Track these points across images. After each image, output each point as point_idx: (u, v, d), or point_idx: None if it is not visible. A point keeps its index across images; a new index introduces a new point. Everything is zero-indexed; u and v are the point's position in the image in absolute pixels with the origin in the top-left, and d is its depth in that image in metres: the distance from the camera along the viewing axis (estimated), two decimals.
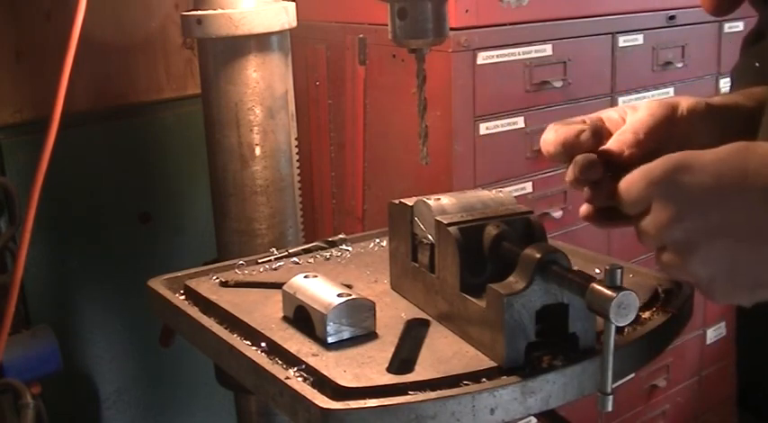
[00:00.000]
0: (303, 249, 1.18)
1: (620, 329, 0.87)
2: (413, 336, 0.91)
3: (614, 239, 2.05)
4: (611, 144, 0.88)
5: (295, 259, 1.16)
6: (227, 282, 1.08)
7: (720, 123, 0.93)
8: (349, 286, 0.98)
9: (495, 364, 0.81)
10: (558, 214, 1.88)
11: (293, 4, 1.46)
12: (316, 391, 0.78)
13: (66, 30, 1.36)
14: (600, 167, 0.83)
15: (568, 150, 0.85)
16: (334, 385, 0.78)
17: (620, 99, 1.94)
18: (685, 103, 0.92)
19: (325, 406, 0.75)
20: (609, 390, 0.74)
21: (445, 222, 0.89)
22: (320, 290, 0.91)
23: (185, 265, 1.12)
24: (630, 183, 0.74)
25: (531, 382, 0.78)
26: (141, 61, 1.89)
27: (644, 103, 0.93)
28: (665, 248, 0.72)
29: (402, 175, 1.76)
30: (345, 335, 0.88)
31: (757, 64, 1.06)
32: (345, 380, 0.79)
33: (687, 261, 0.70)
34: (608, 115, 0.93)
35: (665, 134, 0.90)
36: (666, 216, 0.71)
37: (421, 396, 0.76)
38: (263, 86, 1.43)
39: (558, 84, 1.79)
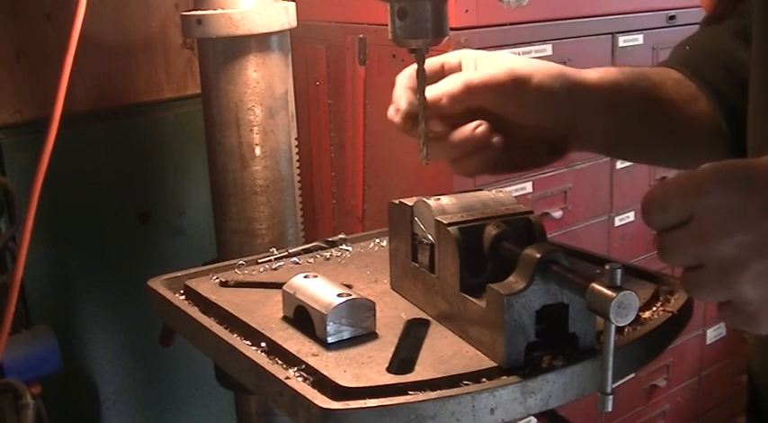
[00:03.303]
0: (303, 249, 1.18)
1: (620, 329, 0.87)
2: (413, 336, 0.91)
3: (614, 239, 2.06)
4: (434, 89, 0.91)
5: (295, 259, 1.15)
6: (227, 282, 1.08)
7: (581, 101, 0.94)
8: (349, 286, 0.98)
9: (495, 364, 0.81)
10: (558, 214, 1.88)
11: (293, 4, 1.46)
12: (316, 391, 0.78)
13: (67, 30, 1.36)
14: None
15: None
16: (334, 385, 0.78)
17: None
18: (540, 75, 0.92)
19: (325, 406, 0.75)
20: (609, 390, 0.74)
21: (445, 222, 0.89)
22: (320, 290, 0.91)
23: (185, 265, 1.12)
24: (667, 191, 0.66)
25: (531, 382, 0.78)
26: (141, 61, 1.89)
27: (498, 60, 0.94)
28: (702, 267, 0.65)
29: (402, 175, 1.76)
30: (345, 335, 0.88)
31: (687, 47, 1.07)
32: (345, 380, 0.79)
33: (735, 281, 0.63)
34: (448, 60, 0.96)
35: (501, 99, 0.91)
36: (713, 230, 0.63)
37: (421, 396, 0.76)
38: (263, 86, 1.43)
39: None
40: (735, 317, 0.66)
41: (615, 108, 0.97)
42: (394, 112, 0.97)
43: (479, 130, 0.91)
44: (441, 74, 0.96)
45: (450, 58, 0.97)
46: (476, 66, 0.95)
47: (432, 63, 0.96)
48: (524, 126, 0.95)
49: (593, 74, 0.98)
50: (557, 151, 0.99)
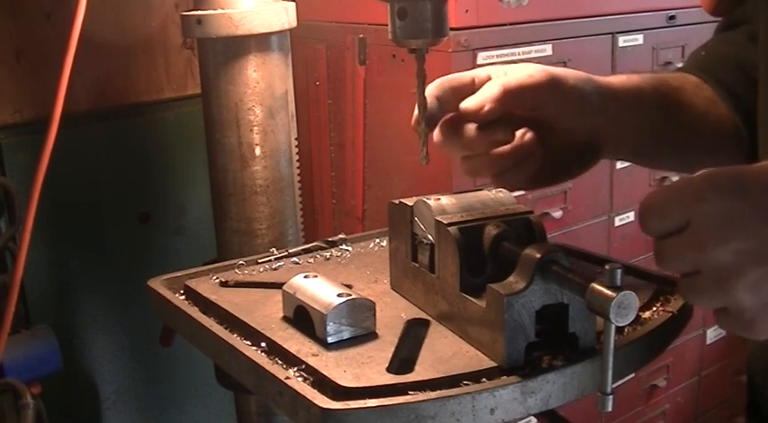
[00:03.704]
0: (303, 249, 1.18)
1: (620, 329, 0.87)
2: (413, 336, 0.91)
3: (614, 239, 2.05)
4: (475, 99, 0.89)
5: (295, 259, 1.15)
6: (227, 282, 1.08)
7: (610, 105, 0.94)
8: (349, 286, 0.98)
9: (495, 364, 0.81)
10: (558, 214, 1.88)
11: (293, 4, 1.46)
12: (316, 391, 0.78)
13: (67, 30, 1.36)
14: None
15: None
16: (334, 385, 0.78)
17: None
18: (573, 78, 0.92)
19: (325, 406, 0.75)
20: (609, 390, 0.74)
21: (445, 222, 0.89)
22: (320, 290, 0.91)
23: (185, 265, 1.12)
24: (665, 197, 0.66)
25: (531, 382, 0.78)
26: (141, 61, 1.89)
27: (527, 66, 0.93)
28: (699, 273, 0.65)
29: (402, 175, 1.76)
30: (345, 335, 0.88)
31: (702, 52, 1.07)
32: (345, 380, 0.79)
33: (731, 287, 0.63)
34: (478, 75, 0.94)
35: (540, 101, 0.90)
36: (710, 236, 0.63)
37: (421, 396, 0.76)
38: (263, 86, 1.43)
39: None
40: (732, 323, 0.66)
41: (640, 112, 0.97)
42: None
43: (527, 137, 0.91)
44: (471, 88, 0.93)
45: (479, 72, 0.95)
46: (506, 74, 0.94)
47: (461, 78, 0.95)
48: (557, 134, 0.94)
49: (616, 79, 0.97)
50: (589, 160, 0.98)
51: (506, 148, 0.91)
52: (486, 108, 0.89)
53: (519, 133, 0.91)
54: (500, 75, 0.93)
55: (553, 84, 0.90)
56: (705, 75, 1.03)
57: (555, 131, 0.94)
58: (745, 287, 0.63)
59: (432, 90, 0.94)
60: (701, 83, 1.03)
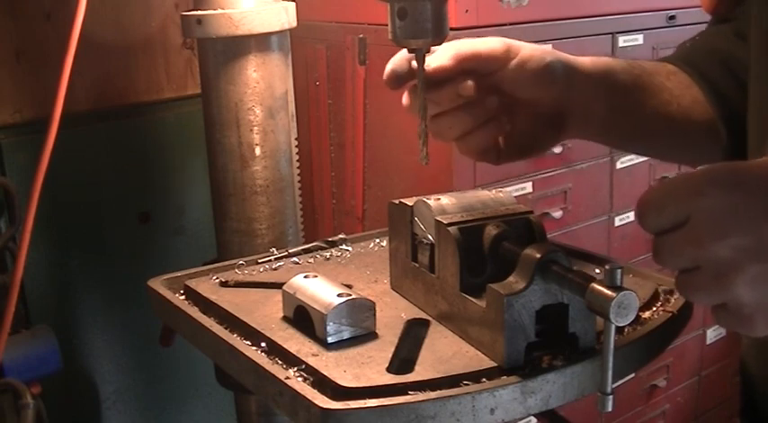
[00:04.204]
0: (303, 249, 1.18)
1: (620, 329, 0.87)
2: (413, 336, 0.91)
3: (614, 239, 2.06)
4: (429, 60, 0.93)
5: (295, 259, 1.15)
6: (227, 282, 1.08)
7: (577, 80, 0.96)
8: (349, 286, 0.98)
9: (495, 364, 0.81)
10: (558, 214, 1.88)
11: (293, 4, 1.46)
12: (316, 391, 0.78)
13: (67, 30, 1.36)
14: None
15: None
16: (334, 385, 0.78)
17: None
18: (531, 48, 0.95)
19: (325, 406, 0.75)
20: (609, 390, 0.74)
21: (445, 222, 0.89)
22: (320, 290, 0.91)
23: (185, 265, 1.12)
24: (663, 193, 0.66)
25: (531, 382, 0.78)
26: (141, 61, 1.89)
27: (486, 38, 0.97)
28: (697, 269, 0.64)
29: (402, 175, 1.76)
30: (345, 335, 0.88)
31: (688, 44, 1.07)
32: (345, 380, 0.79)
33: (730, 283, 0.62)
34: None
35: (489, 65, 0.93)
36: (709, 232, 0.62)
37: (421, 396, 0.76)
38: (263, 86, 1.43)
39: None
40: (730, 319, 0.65)
41: (609, 88, 0.98)
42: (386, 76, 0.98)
43: (489, 99, 0.94)
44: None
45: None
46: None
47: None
48: (521, 105, 0.97)
49: (585, 58, 1.00)
50: (557, 133, 1.00)
51: (468, 105, 0.94)
52: (437, 65, 0.93)
53: (481, 96, 0.93)
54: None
55: (507, 50, 0.94)
56: (687, 66, 1.03)
57: (518, 101, 0.96)
58: (744, 283, 0.62)
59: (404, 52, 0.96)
60: (678, 70, 1.03)
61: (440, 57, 0.94)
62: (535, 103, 0.97)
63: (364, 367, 0.82)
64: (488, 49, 0.94)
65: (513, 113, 0.98)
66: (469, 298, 0.86)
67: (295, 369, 0.83)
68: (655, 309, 0.95)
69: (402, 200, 0.99)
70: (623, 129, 1.03)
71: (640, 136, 1.05)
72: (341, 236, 1.21)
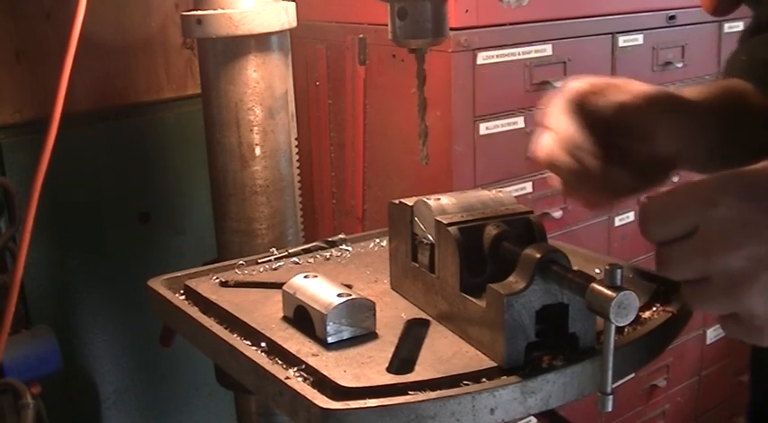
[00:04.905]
0: (303, 249, 1.18)
1: (620, 329, 0.87)
2: (413, 336, 0.91)
3: (614, 239, 2.05)
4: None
5: (295, 259, 1.16)
6: (227, 282, 1.08)
7: (693, 116, 0.92)
8: (349, 286, 0.98)
9: (495, 364, 0.81)
10: (558, 214, 1.88)
11: (293, 4, 1.46)
12: (316, 391, 0.78)
13: (67, 30, 1.36)
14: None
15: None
16: (334, 385, 0.78)
17: None
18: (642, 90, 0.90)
19: (325, 406, 0.75)
20: (609, 390, 0.74)
21: (445, 222, 0.89)
22: (320, 290, 0.91)
23: (185, 265, 1.12)
24: (668, 202, 0.64)
25: (531, 382, 0.78)
26: (141, 61, 1.89)
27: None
28: (707, 280, 0.63)
29: (402, 175, 1.76)
30: (345, 335, 0.88)
31: (743, 58, 1.06)
32: (345, 380, 0.79)
33: (743, 294, 0.61)
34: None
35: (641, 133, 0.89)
36: (721, 242, 0.61)
37: (421, 396, 0.76)
38: (263, 86, 1.43)
39: (559, 84, 1.79)
40: (740, 329, 0.64)
41: (718, 121, 0.94)
42: (544, 147, 0.91)
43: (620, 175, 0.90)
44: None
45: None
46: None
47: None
48: (638, 147, 0.92)
49: (688, 92, 0.95)
50: (668, 171, 0.95)
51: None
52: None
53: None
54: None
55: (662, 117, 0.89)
56: (759, 82, 0.99)
57: (632, 148, 0.92)
58: (759, 293, 0.61)
59: (561, 105, 0.92)
60: (755, 89, 0.99)
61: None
62: (650, 146, 0.91)
63: (364, 367, 0.82)
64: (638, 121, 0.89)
65: (625, 156, 0.91)
66: (469, 298, 0.86)
67: (295, 369, 0.83)
68: (655, 309, 0.95)
69: (402, 200, 0.99)
70: (723, 156, 0.97)
71: (740, 159, 1.02)
72: (341, 236, 1.21)
